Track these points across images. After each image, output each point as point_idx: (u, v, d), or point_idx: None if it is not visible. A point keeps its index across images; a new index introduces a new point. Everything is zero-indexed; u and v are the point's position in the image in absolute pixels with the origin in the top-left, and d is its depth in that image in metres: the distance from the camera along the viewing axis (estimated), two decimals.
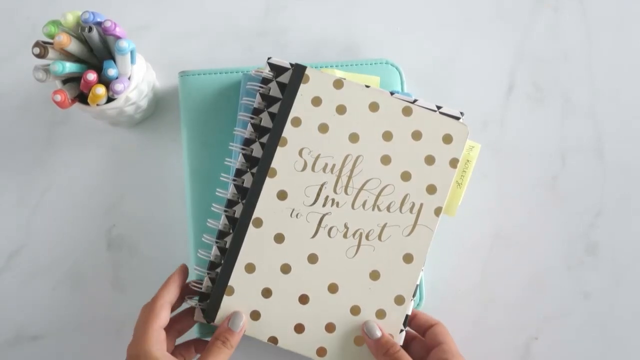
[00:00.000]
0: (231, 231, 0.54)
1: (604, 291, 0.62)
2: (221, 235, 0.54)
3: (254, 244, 0.54)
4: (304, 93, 0.54)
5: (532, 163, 0.63)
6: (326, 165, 0.54)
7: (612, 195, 0.63)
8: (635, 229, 0.62)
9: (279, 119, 0.54)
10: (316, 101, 0.54)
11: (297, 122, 0.54)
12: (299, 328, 0.54)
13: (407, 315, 0.54)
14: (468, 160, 0.55)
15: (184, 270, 0.54)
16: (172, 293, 0.52)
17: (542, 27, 0.65)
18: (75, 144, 0.62)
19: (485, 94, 0.64)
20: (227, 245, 0.54)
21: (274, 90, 0.55)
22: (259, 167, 0.54)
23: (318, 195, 0.54)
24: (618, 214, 0.62)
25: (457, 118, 0.54)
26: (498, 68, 0.64)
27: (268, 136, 0.54)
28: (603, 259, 0.62)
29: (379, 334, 0.52)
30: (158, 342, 0.49)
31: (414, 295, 0.54)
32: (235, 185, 0.54)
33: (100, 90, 0.52)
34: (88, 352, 0.60)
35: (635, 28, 0.65)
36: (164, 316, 0.50)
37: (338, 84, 0.54)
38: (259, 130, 0.55)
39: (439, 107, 0.54)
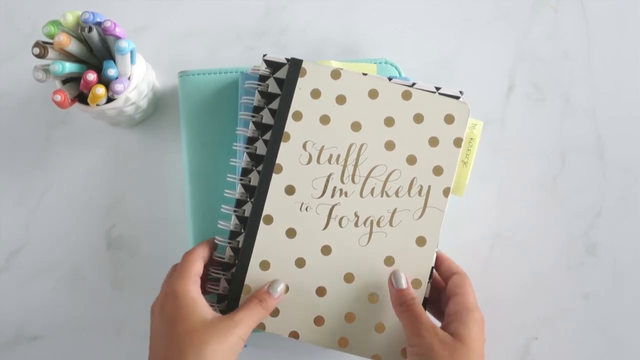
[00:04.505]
0: (242, 230, 0.54)
1: (604, 291, 0.62)
2: (233, 235, 0.54)
3: (267, 241, 0.54)
4: (303, 86, 0.54)
5: (532, 163, 0.63)
6: (331, 156, 0.54)
7: (612, 195, 0.63)
8: (635, 229, 0.62)
9: (280, 115, 0.54)
10: (315, 93, 0.54)
11: (298, 116, 0.54)
12: (319, 321, 0.54)
13: (425, 298, 0.54)
14: (472, 139, 0.55)
15: (213, 241, 0.55)
16: (205, 251, 0.53)
17: (542, 27, 0.65)
18: (75, 144, 0.62)
19: (485, 94, 0.64)
20: (240, 245, 0.54)
21: (272, 87, 0.55)
22: (264, 164, 0.54)
23: (326, 186, 0.54)
24: (618, 214, 0.62)
25: (457, 97, 0.54)
26: (498, 68, 0.64)
27: (270, 133, 0.54)
28: (603, 259, 0.62)
29: (404, 285, 0.52)
30: (195, 284, 0.50)
31: (430, 278, 0.54)
32: (242, 184, 0.54)
33: (100, 90, 0.52)
34: (88, 352, 0.60)
35: (635, 28, 0.65)
36: (200, 265, 0.52)
37: (335, 74, 0.54)
38: (261, 127, 0.55)
39: (438, 88, 0.54)
